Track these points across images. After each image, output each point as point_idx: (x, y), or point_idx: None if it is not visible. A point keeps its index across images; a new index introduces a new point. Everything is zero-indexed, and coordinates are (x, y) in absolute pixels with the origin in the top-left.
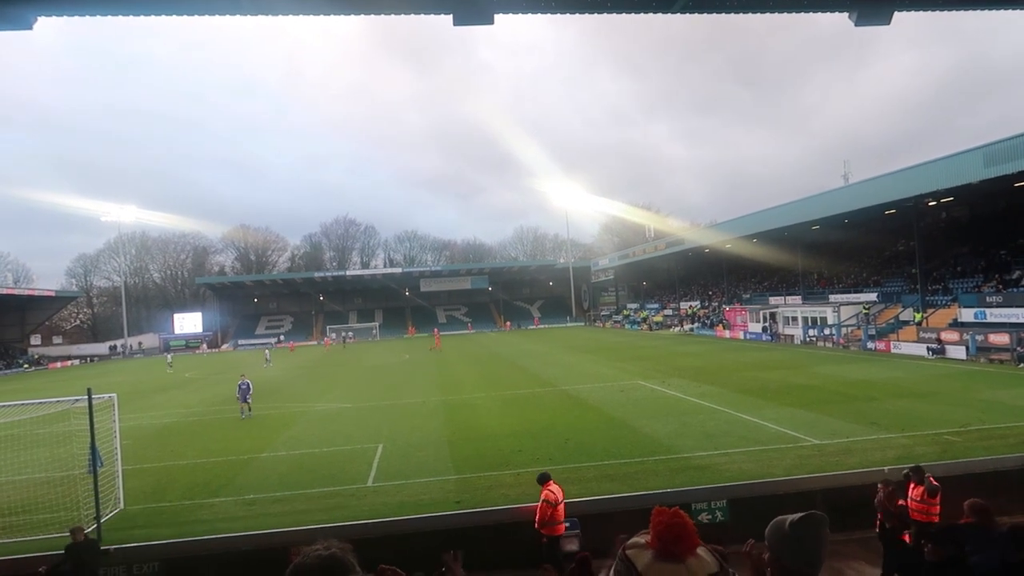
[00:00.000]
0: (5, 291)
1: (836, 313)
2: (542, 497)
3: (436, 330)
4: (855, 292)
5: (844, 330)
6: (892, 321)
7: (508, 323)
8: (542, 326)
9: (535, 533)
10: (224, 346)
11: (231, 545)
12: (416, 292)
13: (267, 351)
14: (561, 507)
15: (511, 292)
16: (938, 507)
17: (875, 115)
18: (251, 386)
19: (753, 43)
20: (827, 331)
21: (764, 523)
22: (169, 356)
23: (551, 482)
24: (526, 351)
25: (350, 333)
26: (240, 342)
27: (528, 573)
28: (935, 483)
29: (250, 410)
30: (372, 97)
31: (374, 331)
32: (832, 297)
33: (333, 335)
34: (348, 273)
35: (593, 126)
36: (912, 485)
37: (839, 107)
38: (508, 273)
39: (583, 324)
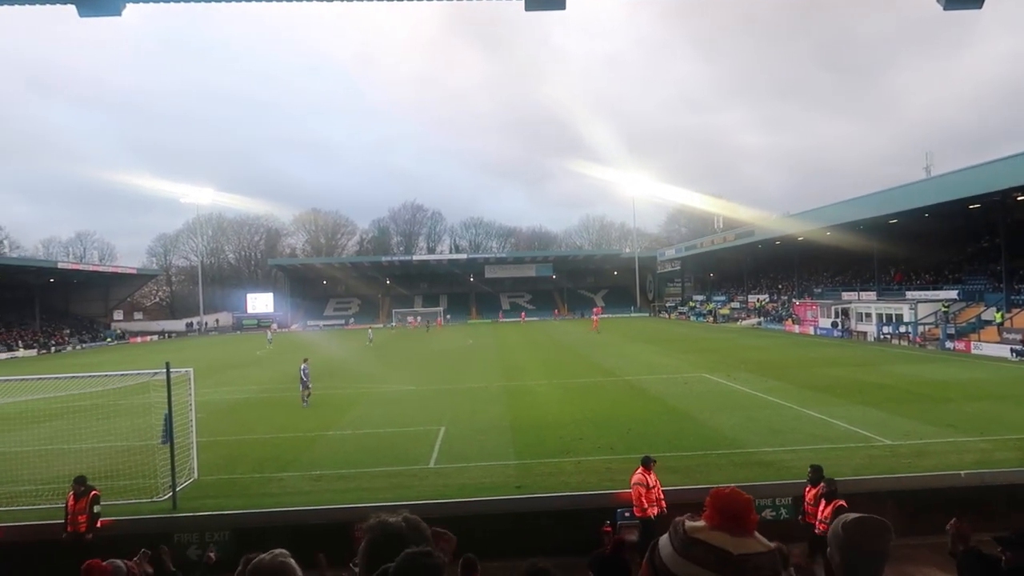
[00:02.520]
0: (91, 268)
1: (913, 311)
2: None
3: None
4: (934, 289)
5: (921, 328)
6: (973, 320)
7: (558, 311)
8: (605, 315)
9: (596, 520)
10: (294, 326)
11: (299, 518)
12: (480, 278)
13: (369, 330)
14: (652, 491)
15: (575, 280)
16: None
17: (966, 103)
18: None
19: (839, 26)
20: (903, 329)
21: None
22: (269, 333)
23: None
24: (589, 340)
25: (437, 317)
26: (309, 323)
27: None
28: (833, 488)
29: (308, 397)
30: (442, 81)
31: (446, 316)
32: (909, 294)
33: (419, 318)
34: (415, 258)
35: (666, 112)
36: (808, 488)
37: (927, 94)
38: (573, 261)
39: (647, 315)
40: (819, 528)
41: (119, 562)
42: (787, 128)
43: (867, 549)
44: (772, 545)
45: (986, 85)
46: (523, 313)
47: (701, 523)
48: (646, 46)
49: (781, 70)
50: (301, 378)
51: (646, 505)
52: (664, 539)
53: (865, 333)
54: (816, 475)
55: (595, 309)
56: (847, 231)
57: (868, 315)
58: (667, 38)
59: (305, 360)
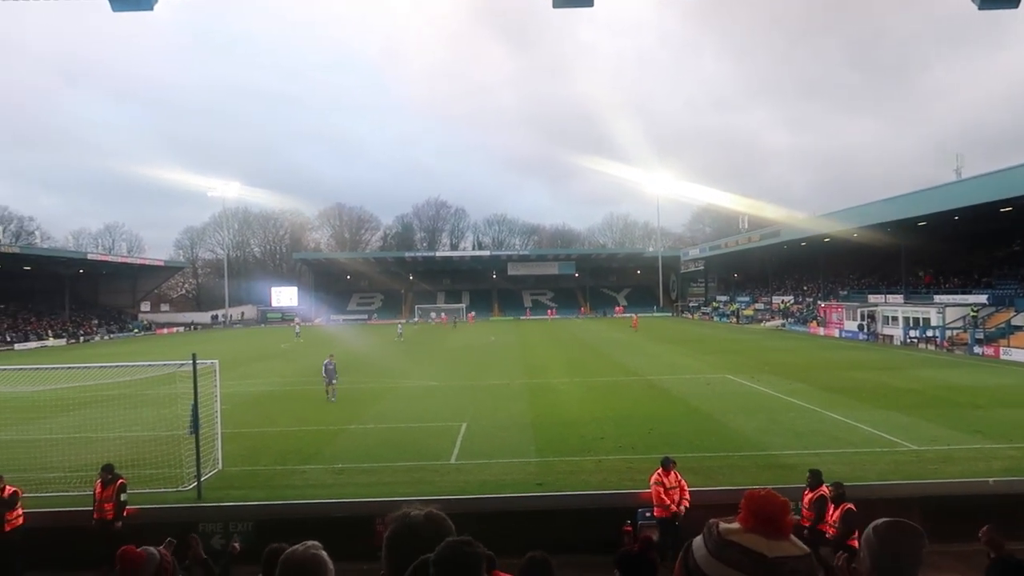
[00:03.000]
0: (120, 260)
1: (941, 314)
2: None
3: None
4: (962, 293)
5: (949, 333)
6: (1003, 325)
7: (583, 309)
8: (626, 315)
9: (616, 520)
10: (318, 320)
11: (321, 511)
12: (503, 275)
13: (399, 324)
14: (671, 492)
15: (598, 279)
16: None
17: (999, 104)
18: (335, 367)
19: (870, 24)
20: (930, 333)
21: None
22: (297, 327)
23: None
24: (610, 339)
25: (469, 313)
26: (332, 317)
27: (609, 559)
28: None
29: (333, 395)
30: (467, 76)
31: (467, 312)
32: (937, 297)
33: (443, 314)
34: (438, 254)
35: (692, 111)
36: (806, 492)
37: (958, 95)
38: (596, 260)
39: (670, 314)
40: (829, 532)
41: (152, 549)
42: (813, 128)
43: (901, 553)
44: (807, 549)
45: (1021, 85)
46: (550, 310)
47: (735, 525)
48: (673, 44)
49: (809, 69)
50: (324, 374)
51: (668, 503)
52: (698, 540)
53: (891, 337)
54: (815, 479)
55: (616, 308)
56: (875, 232)
57: (895, 318)
58: (694, 36)
59: (330, 356)
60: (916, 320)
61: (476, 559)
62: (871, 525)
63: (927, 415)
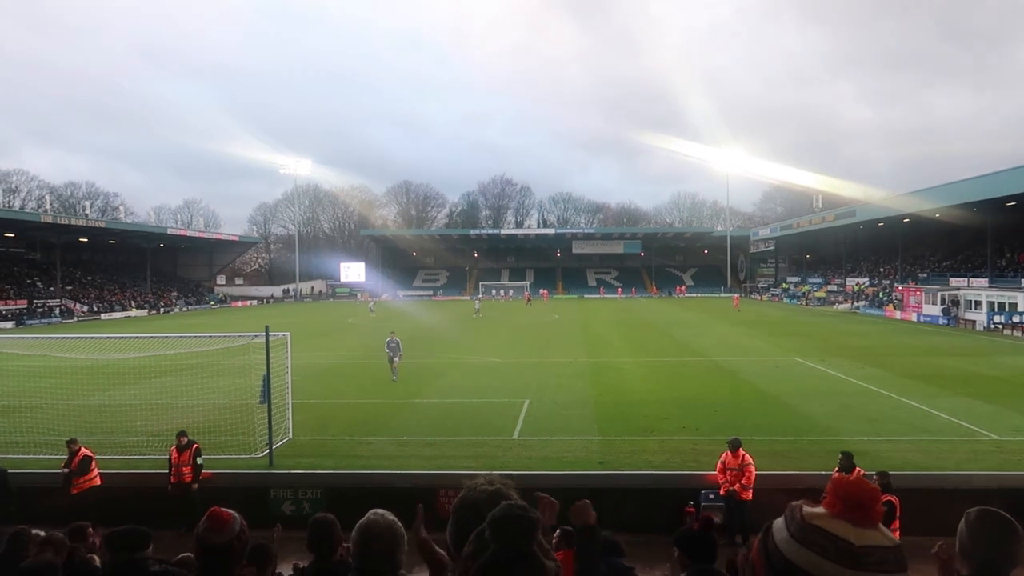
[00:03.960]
0: (197, 234)
1: None
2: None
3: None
4: None
5: None
6: None
7: (655, 289)
8: (692, 295)
9: (677, 500)
10: (384, 296)
11: (387, 482)
12: (567, 253)
13: (477, 300)
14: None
15: (664, 258)
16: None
17: None
18: (400, 344)
19: None
20: (1016, 318)
21: (929, 518)
22: (371, 303)
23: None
24: (676, 319)
25: (542, 290)
26: (399, 293)
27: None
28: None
29: (395, 374)
30: (536, 53)
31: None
32: None
33: (509, 292)
34: (502, 232)
35: (769, 85)
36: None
37: None
38: (662, 239)
39: (738, 295)
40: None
41: (236, 516)
42: (897, 103)
43: (1002, 545)
44: (897, 540)
45: None
46: (620, 288)
47: (821, 510)
48: (751, 14)
49: (896, 39)
50: (387, 350)
51: (721, 481)
52: (779, 523)
53: (974, 322)
54: (847, 462)
55: (678, 289)
56: (959, 212)
57: (978, 302)
58: (775, 5)
59: (392, 332)
60: (1001, 305)
61: (530, 522)
62: (966, 516)
63: (1011, 404)
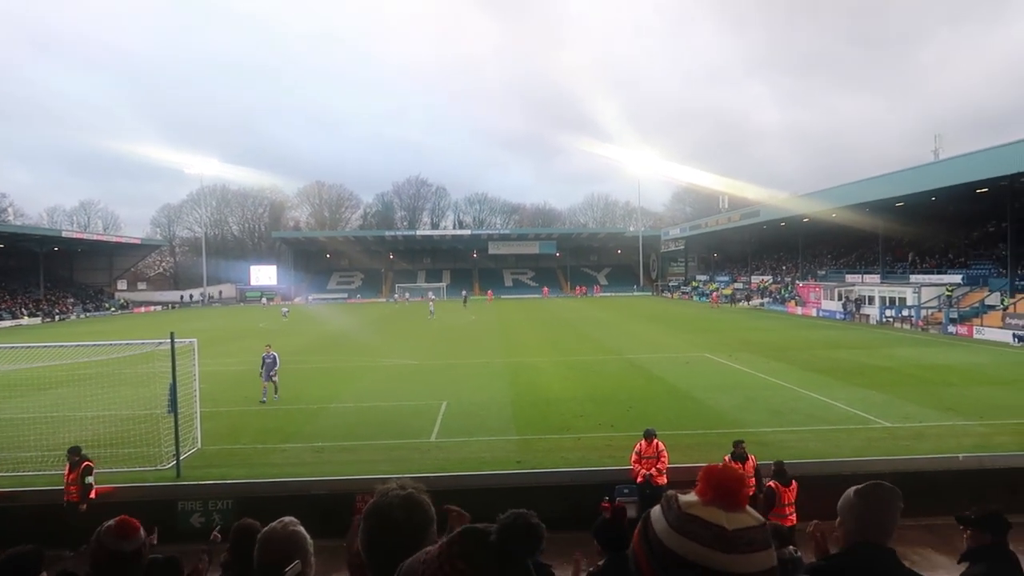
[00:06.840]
0: (95, 237)
1: (916, 294)
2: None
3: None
4: (938, 273)
5: (924, 312)
6: (976, 305)
7: (580, 289)
8: (606, 294)
9: (595, 496)
10: (297, 299)
11: (301, 489)
12: (484, 254)
13: (430, 303)
14: (646, 460)
15: (579, 258)
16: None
17: (994, 82)
18: (277, 359)
19: None
20: (905, 312)
21: (828, 502)
22: (284, 307)
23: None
24: (591, 318)
25: (464, 293)
26: (312, 296)
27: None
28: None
29: (276, 391)
30: (451, 49)
31: (456, 292)
32: (913, 277)
33: (431, 293)
34: (418, 233)
35: (681, 87)
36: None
37: (953, 72)
38: (576, 239)
39: (650, 294)
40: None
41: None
42: (806, 105)
43: (884, 511)
44: (762, 519)
45: (1019, 64)
46: (545, 288)
47: (694, 498)
48: (669, 15)
49: (806, 43)
50: (260, 369)
51: (638, 469)
52: (656, 512)
53: (868, 316)
54: (739, 450)
55: (586, 288)
56: (853, 213)
57: (871, 298)
58: (692, 5)
59: (268, 346)
60: (892, 300)
61: (539, 529)
62: (851, 490)
63: (901, 393)
